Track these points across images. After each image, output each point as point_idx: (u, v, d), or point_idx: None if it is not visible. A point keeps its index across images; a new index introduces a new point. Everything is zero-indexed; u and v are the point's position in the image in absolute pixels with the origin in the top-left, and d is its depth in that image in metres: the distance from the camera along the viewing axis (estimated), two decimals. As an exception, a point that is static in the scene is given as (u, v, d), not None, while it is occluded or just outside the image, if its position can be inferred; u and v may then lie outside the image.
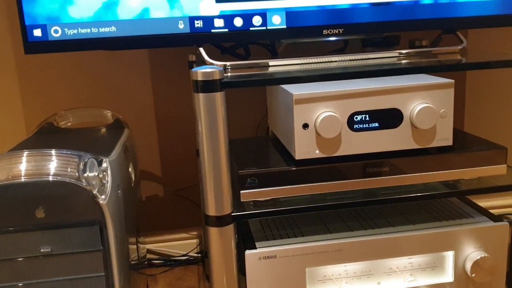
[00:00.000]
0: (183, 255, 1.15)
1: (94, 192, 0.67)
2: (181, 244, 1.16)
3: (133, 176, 0.86)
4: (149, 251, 1.16)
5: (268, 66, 0.83)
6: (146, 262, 1.07)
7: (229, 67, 0.81)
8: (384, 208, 0.84)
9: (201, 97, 0.64)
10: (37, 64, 1.04)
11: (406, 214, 0.82)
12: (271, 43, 0.95)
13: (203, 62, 0.82)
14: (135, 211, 0.88)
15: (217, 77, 0.63)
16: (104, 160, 0.70)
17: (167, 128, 1.11)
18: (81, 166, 0.67)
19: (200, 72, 0.63)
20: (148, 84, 1.08)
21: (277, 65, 0.82)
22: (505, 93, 1.19)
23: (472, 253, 0.75)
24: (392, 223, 0.79)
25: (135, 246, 0.85)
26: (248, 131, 1.12)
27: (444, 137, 0.71)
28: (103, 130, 0.92)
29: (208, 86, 0.63)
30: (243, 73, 0.75)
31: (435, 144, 0.72)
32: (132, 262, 0.82)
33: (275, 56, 0.98)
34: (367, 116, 0.70)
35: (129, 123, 1.09)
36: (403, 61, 0.79)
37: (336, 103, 0.69)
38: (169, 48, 1.05)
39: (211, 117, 0.64)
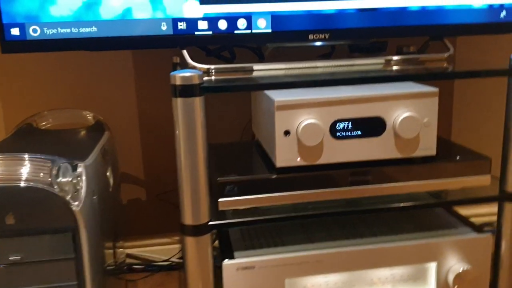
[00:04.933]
0: (165, 261, 1.12)
1: (67, 199, 0.64)
2: (162, 249, 1.14)
3: (111, 180, 0.84)
4: (130, 255, 1.13)
5: (252, 70, 0.81)
6: (126, 267, 1.04)
7: (212, 71, 0.79)
8: (367, 216, 0.83)
9: (179, 102, 0.62)
10: (17, 64, 1.01)
11: (390, 224, 0.81)
12: (257, 46, 0.94)
13: (187, 65, 0.80)
14: (113, 216, 0.86)
15: (196, 81, 0.62)
16: (79, 165, 0.68)
17: (150, 130, 1.09)
18: (54, 171, 0.65)
19: (178, 76, 0.61)
20: (131, 86, 1.06)
21: (261, 70, 0.81)
22: (493, 102, 1.18)
23: (454, 264, 0.74)
24: (375, 233, 0.77)
25: (112, 251, 0.83)
26: (234, 135, 1.10)
27: (428, 147, 0.70)
28: (83, 132, 0.90)
29: (187, 90, 0.61)
30: (227, 77, 0.73)
31: (418, 153, 0.70)
32: (109, 268, 0.80)
33: (261, 59, 0.96)
34: (349, 124, 0.68)
35: (112, 125, 1.06)
36: (389, 68, 0.77)
37: (319, 110, 0.67)
38: (154, 49, 1.03)
39: (189, 122, 0.62)
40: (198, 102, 0.62)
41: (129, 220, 1.13)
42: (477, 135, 1.20)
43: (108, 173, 0.83)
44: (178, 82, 0.61)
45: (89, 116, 0.96)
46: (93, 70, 1.04)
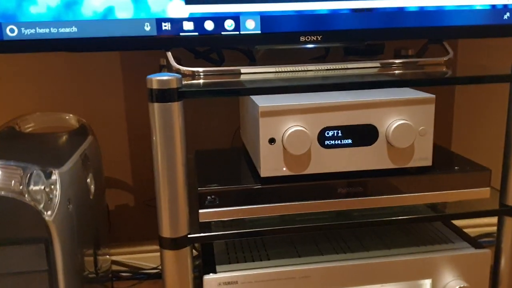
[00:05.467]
0: (153, 268, 1.09)
1: (39, 208, 0.61)
2: (151, 257, 1.10)
3: (92, 187, 0.81)
4: (117, 263, 1.10)
5: (240, 73, 0.77)
6: (111, 275, 1.01)
7: (199, 74, 0.76)
8: (358, 229, 0.79)
9: (156, 107, 0.58)
10: None
11: (382, 237, 0.76)
12: (247, 48, 0.90)
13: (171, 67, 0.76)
14: (95, 223, 0.83)
15: (174, 85, 0.58)
16: (53, 172, 0.64)
17: (138, 134, 1.05)
18: (26, 179, 0.61)
19: (155, 79, 0.57)
20: (119, 88, 1.02)
21: (249, 73, 0.77)
22: (496, 109, 1.14)
23: (451, 281, 0.70)
24: (367, 247, 0.73)
25: (92, 260, 0.79)
26: (224, 141, 1.07)
27: (423, 157, 0.66)
28: (65, 136, 0.86)
29: (164, 95, 0.58)
30: (214, 81, 0.69)
31: (413, 164, 0.66)
32: (90, 276, 0.76)
33: (253, 62, 0.92)
34: (339, 131, 0.64)
35: (99, 129, 1.03)
36: (384, 73, 0.73)
37: (306, 117, 0.63)
38: (142, 51, 0.99)
39: (166, 129, 0.58)
40: (176, 107, 0.58)
41: (117, 226, 1.09)
42: (479, 145, 1.15)
43: (88, 180, 0.79)
44: (154, 86, 0.57)
45: (73, 119, 0.92)
46: (79, 72, 1.01)
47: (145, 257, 1.10)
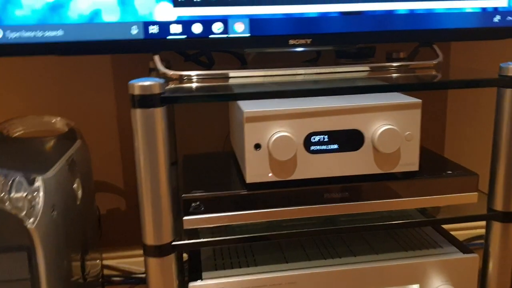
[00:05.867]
0: (145, 273, 1.08)
1: (20, 216, 0.60)
2: (142, 261, 1.09)
3: (79, 192, 0.80)
4: (109, 267, 1.09)
5: (228, 77, 0.77)
6: (101, 280, 1.00)
7: (187, 77, 0.75)
8: (346, 235, 0.78)
9: (138, 113, 0.57)
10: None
11: (370, 242, 0.76)
12: (237, 51, 0.89)
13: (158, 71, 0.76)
14: (83, 229, 0.82)
15: (156, 91, 0.57)
16: (36, 178, 0.64)
17: (129, 138, 1.05)
18: (7, 187, 0.61)
19: (137, 85, 0.57)
20: (110, 91, 1.02)
21: (237, 77, 0.76)
22: (489, 113, 1.13)
23: (439, 286, 0.69)
24: (354, 252, 0.73)
25: (79, 265, 0.79)
26: (216, 146, 1.06)
27: (410, 162, 0.65)
28: (52, 141, 0.86)
29: (146, 101, 0.57)
30: (203, 85, 0.69)
31: (399, 169, 0.66)
32: (77, 282, 0.75)
33: (244, 65, 0.92)
34: (325, 137, 0.63)
35: (90, 133, 1.02)
36: (374, 76, 0.73)
37: (292, 122, 0.63)
38: (129, 54, 0.99)
39: (149, 135, 0.58)
40: (159, 113, 0.58)
41: (109, 230, 1.09)
42: (473, 149, 1.15)
43: (75, 185, 0.79)
44: (136, 92, 0.57)
45: (62, 123, 0.92)
46: (69, 75, 1.00)
47: (137, 261, 1.09)
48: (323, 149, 0.64)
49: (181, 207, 0.63)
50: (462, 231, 1.16)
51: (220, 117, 1.05)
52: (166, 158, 0.59)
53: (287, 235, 0.64)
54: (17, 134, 0.91)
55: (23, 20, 0.73)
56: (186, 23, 0.76)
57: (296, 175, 0.64)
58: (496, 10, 0.82)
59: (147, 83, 0.57)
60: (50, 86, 1.00)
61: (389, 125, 0.63)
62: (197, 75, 0.76)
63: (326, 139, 0.64)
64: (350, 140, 0.64)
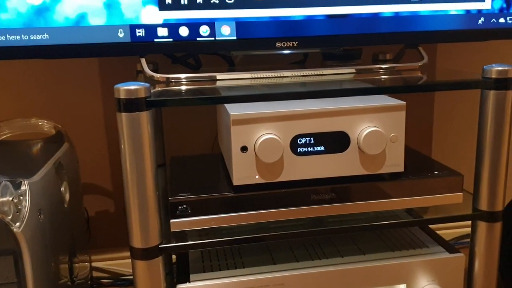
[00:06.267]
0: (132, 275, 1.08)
1: (6, 220, 0.60)
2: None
3: (67, 195, 0.80)
4: (98, 269, 1.09)
5: (215, 79, 0.77)
6: (90, 282, 1.00)
7: (175, 80, 0.75)
8: (334, 235, 0.79)
9: (123, 117, 0.57)
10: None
11: (357, 242, 0.77)
12: (224, 54, 0.90)
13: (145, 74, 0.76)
14: (71, 231, 0.82)
15: (142, 95, 0.57)
16: (22, 182, 0.64)
17: (117, 140, 1.04)
18: (-7, 190, 0.60)
19: (122, 89, 0.57)
20: (98, 94, 1.01)
21: (225, 79, 0.77)
22: (473, 114, 1.14)
23: (425, 286, 0.70)
24: (342, 252, 0.73)
25: (67, 268, 0.78)
26: (205, 148, 1.06)
27: (395, 163, 0.66)
28: (39, 144, 0.85)
29: (132, 105, 0.57)
30: (190, 87, 0.69)
31: (384, 170, 0.66)
32: (65, 285, 0.75)
33: (232, 67, 0.92)
34: (311, 139, 0.64)
35: (77, 135, 1.02)
36: (360, 78, 0.73)
37: (278, 125, 0.63)
38: (119, 56, 0.98)
39: (135, 139, 0.58)
40: (145, 117, 0.58)
41: (97, 232, 1.08)
42: (460, 149, 1.16)
43: (62, 188, 0.79)
44: (122, 96, 0.57)
45: (49, 126, 0.91)
46: (56, 78, 0.99)
47: (126, 263, 1.09)
48: (309, 151, 0.64)
49: (168, 210, 0.63)
50: (448, 230, 1.17)
51: (208, 119, 1.05)
52: (152, 162, 0.59)
53: (274, 236, 0.64)
54: (3, 137, 0.90)
55: (9, 24, 0.73)
56: (173, 26, 0.77)
57: (283, 177, 0.65)
58: (480, 12, 0.84)
59: (132, 87, 0.57)
60: (37, 89, 0.99)
61: (374, 127, 0.64)
62: (185, 77, 0.76)
63: (312, 141, 0.64)
64: (336, 142, 0.64)
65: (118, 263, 1.09)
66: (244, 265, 0.70)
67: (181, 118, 1.05)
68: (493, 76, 0.65)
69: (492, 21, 0.85)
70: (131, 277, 1.08)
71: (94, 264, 1.07)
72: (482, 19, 0.84)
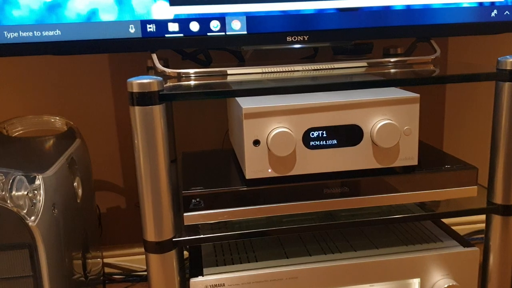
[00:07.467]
0: (146, 270, 1.08)
1: (21, 213, 0.61)
2: (143, 259, 1.09)
3: (80, 191, 0.80)
4: (110, 265, 1.09)
5: (226, 74, 0.77)
6: (102, 278, 1.00)
7: (185, 75, 0.75)
8: (346, 230, 0.79)
9: (137, 111, 0.58)
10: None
11: (370, 237, 0.76)
12: (235, 49, 0.90)
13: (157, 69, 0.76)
14: (84, 227, 0.82)
15: (155, 88, 0.57)
16: (37, 177, 0.64)
17: (128, 136, 1.05)
18: (8, 185, 0.61)
19: (135, 83, 0.57)
20: (108, 90, 1.02)
21: (235, 74, 0.77)
22: (487, 107, 1.13)
23: (439, 280, 0.70)
24: (355, 247, 0.73)
25: (81, 263, 0.79)
26: (216, 143, 1.06)
27: (409, 156, 0.65)
28: (52, 140, 0.86)
29: (145, 98, 0.57)
30: (201, 82, 0.69)
31: (398, 163, 0.66)
32: (79, 280, 0.76)
33: (241, 62, 0.92)
34: (324, 132, 0.64)
35: (89, 132, 1.03)
36: (371, 72, 0.73)
37: (290, 118, 0.63)
38: (129, 52, 0.99)
39: (148, 133, 0.58)
40: (158, 110, 0.58)
41: (109, 228, 1.09)
42: (472, 142, 1.15)
43: (75, 184, 0.79)
44: (135, 89, 0.57)
45: (61, 122, 0.92)
46: (68, 75, 1.00)
47: (137, 259, 1.10)
48: (322, 144, 0.64)
49: (181, 204, 0.63)
50: (461, 226, 1.16)
51: (218, 114, 1.05)
52: (165, 155, 0.59)
53: (287, 230, 0.64)
54: (16, 133, 0.91)
55: (21, 20, 0.74)
56: (183, 21, 0.77)
57: (296, 171, 0.64)
58: (493, 5, 0.83)
59: (145, 80, 0.57)
60: (49, 86, 1.00)
61: (388, 120, 0.63)
62: (195, 73, 0.76)
63: (325, 135, 0.64)
64: (349, 135, 0.64)
65: (130, 259, 1.10)
66: (257, 259, 0.70)
67: (190, 114, 1.05)
68: (508, 68, 0.64)
69: (505, 13, 0.84)
70: (143, 272, 1.09)
71: (105, 260, 1.08)
72: (495, 11, 0.83)
